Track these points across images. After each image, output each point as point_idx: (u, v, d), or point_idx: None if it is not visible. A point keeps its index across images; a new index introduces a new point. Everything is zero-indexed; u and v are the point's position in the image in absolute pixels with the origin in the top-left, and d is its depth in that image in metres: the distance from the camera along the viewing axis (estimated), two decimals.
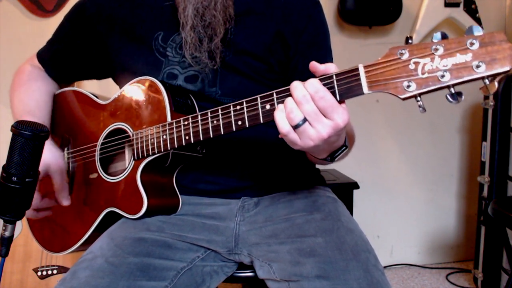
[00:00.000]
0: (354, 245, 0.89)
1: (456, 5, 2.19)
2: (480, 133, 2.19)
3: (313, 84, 0.72)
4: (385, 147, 2.47)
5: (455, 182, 2.55)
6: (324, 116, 0.71)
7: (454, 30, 2.32)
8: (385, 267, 2.42)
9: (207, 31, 0.96)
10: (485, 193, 2.15)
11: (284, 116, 0.73)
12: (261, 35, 1.00)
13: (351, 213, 2.00)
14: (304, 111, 0.72)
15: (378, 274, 0.85)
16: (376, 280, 0.84)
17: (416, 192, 2.51)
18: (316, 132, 0.72)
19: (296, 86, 0.73)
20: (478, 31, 0.64)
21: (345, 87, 0.71)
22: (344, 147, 0.83)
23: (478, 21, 2.21)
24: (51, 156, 1.01)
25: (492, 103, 2.06)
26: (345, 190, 2.06)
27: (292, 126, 0.73)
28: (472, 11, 2.20)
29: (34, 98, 1.10)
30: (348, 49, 2.31)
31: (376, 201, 2.47)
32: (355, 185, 2.07)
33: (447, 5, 2.19)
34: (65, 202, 1.06)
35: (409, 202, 2.51)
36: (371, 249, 0.91)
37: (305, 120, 0.72)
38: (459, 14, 2.20)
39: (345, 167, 2.23)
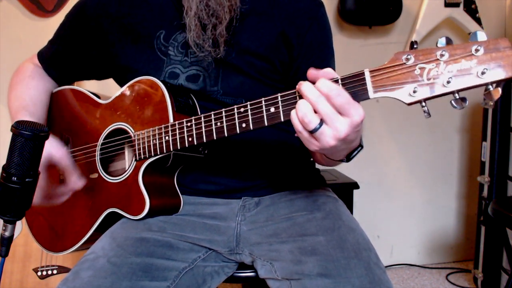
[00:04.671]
0: (356, 243, 0.90)
1: (456, 5, 2.19)
2: (480, 133, 2.20)
3: (326, 83, 0.69)
4: (385, 147, 2.47)
5: (455, 182, 2.55)
6: (341, 114, 0.69)
7: (454, 30, 2.33)
8: (385, 267, 2.42)
9: (211, 19, 0.94)
10: (485, 193, 2.15)
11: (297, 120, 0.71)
12: (265, 35, 1.00)
13: (351, 213, 1.99)
14: (321, 111, 0.69)
15: (379, 272, 0.86)
16: (377, 278, 0.84)
17: (416, 192, 2.51)
18: (335, 132, 0.70)
19: (307, 87, 0.70)
20: (482, 37, 0.64)
21: (351, 91, 0.70)
22: (360, 147, 0.82)
23: (478, 21, 2.21)
24: (50, 145, 0.97)
25: (492, 103, 2.06)
26: (345, 190, 2.05)
27: (308, 131, 0.71)
28: (472, 11, 2.20)
29: (30, 95, 1.09)
30: (348, 49, 2.31)
31: (376, 201, 2.47)
32: (355, 185, 2.07)
33: (447, 5, 2.19)
34: (80, 183, 1.02)
35: (409, 202, 2.51)
36: (372, 247, 0.92)
37: (321, 123, 0.70)
38: (459, 14, 2.20)
39: (345, 167, 2.22)
